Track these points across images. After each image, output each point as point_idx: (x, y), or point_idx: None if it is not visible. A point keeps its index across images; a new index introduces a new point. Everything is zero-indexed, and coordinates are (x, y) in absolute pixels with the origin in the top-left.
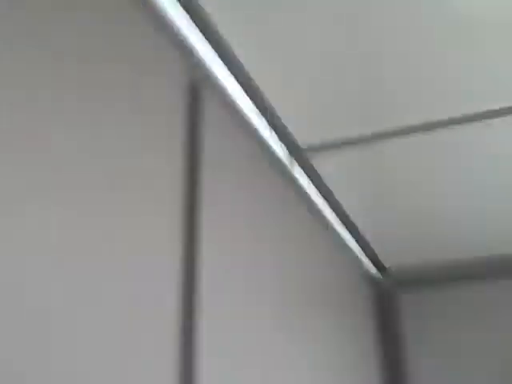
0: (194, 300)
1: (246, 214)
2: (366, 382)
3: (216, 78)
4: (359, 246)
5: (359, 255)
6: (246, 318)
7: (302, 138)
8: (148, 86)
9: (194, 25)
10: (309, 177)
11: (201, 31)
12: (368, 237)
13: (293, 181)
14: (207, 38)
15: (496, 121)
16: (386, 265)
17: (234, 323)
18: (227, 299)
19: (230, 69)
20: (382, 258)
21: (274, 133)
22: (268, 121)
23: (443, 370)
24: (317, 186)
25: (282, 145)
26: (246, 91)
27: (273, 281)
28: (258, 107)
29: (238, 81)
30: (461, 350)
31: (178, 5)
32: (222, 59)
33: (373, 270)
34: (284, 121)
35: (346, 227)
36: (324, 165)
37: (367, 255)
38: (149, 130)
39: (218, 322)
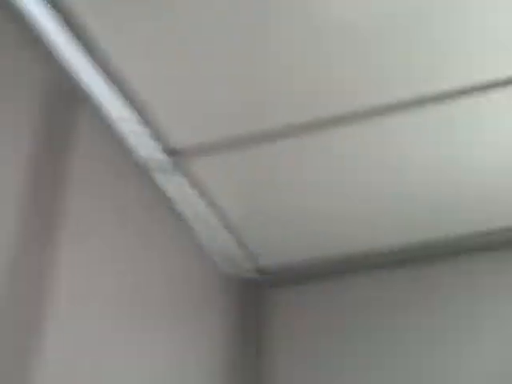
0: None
1: (106, 220)
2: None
3: (83, 79)
4: (233, 245)
5: (232, 254)
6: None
7: (176, 141)
8: (8, 92)
9: (57, 22)
10: (184, 179)
11: (66, 26)
12: (243, 237)
13: (163, 184)
14: (72, 36)
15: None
16: (260, 263)
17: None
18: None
19: (96, 68)
20: (256, 256)
21: (146, 137)
22: (140, 124)
23: (306, 369)
24: (192, 188)
25: (156, 148)
26: (116, 93)
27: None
28: (129, 110)
29: (106, 81)
30: (329, 348)
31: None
32: (88, 57)
33: (246, 269)
34: (157, 124)
35: (224, 228)
36: (199, 167)
37: (242, 254)
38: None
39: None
